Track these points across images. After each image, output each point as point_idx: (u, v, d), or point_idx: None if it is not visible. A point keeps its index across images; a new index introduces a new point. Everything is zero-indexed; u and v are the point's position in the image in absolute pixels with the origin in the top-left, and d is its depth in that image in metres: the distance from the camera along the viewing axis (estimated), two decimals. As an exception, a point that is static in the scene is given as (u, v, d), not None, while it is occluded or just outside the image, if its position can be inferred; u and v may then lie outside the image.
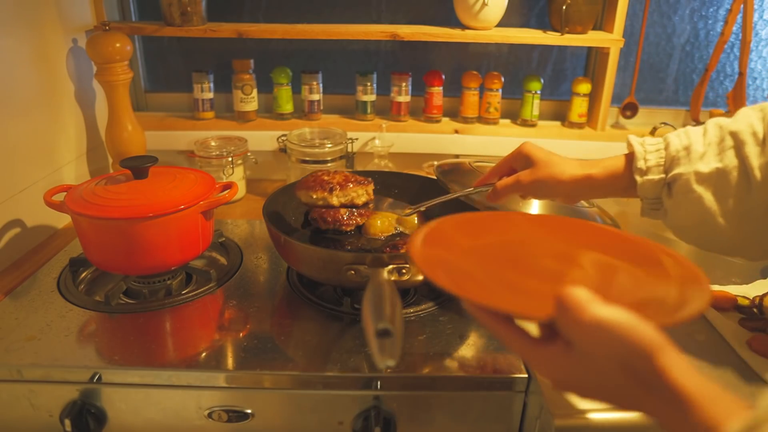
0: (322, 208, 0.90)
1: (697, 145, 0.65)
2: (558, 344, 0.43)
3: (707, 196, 0.63)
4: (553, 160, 0.72)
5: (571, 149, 1.35)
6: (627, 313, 0.40)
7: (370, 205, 0.94)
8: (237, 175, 1.20)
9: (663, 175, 0.67)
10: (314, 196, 0.89)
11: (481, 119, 1.39)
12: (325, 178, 0.90)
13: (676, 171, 0.65)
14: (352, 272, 0.73)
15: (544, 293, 0.45)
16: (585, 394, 0.45)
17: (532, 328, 0.48)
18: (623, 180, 0.69)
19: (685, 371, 0.38)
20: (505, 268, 0.56)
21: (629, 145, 0.70)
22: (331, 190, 0.88)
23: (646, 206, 0.71)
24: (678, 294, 0.49)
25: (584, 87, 1.35)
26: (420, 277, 0.77)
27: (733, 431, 0.34)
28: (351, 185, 0.90)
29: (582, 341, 0.41)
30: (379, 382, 0.70)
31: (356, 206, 0.91)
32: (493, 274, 0.55)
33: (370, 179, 0.93)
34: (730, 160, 0.62)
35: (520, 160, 0.74)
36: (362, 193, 0.91)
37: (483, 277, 0.54)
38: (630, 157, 0.69)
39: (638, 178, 0.68)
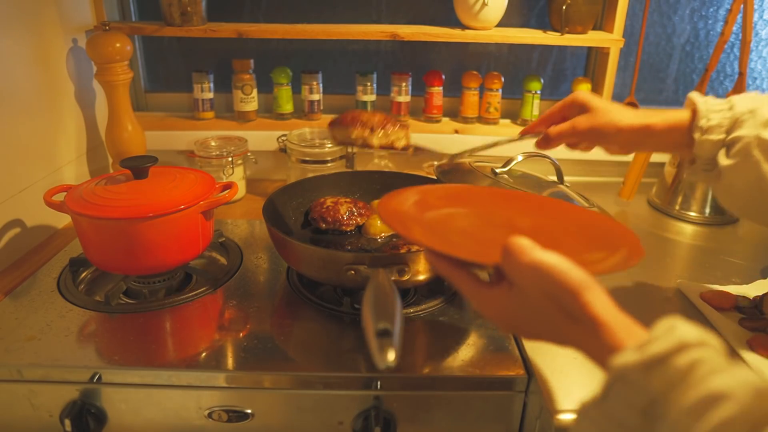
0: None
1: (764, 110, 0.64)
2: (503, 286, 0.49)
3: (765, 163, 0.63)
4: (610, 107, 0.71)
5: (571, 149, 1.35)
6: (560, 257, 0.45)
7: (410, 150, 0.86)
8: (237, 175, 1.20)
9: (723, 136, 0.65)
10: (353, 135, 0.82)
11: (481, 119, 1.39)
12: (365, 117, 0.83)
13: (738, 133, 0.64)
14: (352, 272, 0.73)
15: (495, 243, 0.51)
16: (521, 330, 0.51)
17: (484, 276, 0.55)
18: (681, 136, 0.68)
19: (604, 306, 0.43)
20: (462, 226, 0.65)
21: (690, 102, 0.68)
22: (372, 129, 0.81)
23: (698, 167, 0.70)
24: (610, 252, 0.58)
25: (584, 87, 1.34)
26: (421, 277, 0.77)
27: (630, 346, 0.39)
28: (391, 127, 0.83)
29: (521, 281, 0.47)
30: (379, 382, 0.70)
31: (394, 149, 0.84)
32: (451, 229, 0.64)
33: (408, 123, 0.89)
34: None
35: (574, 108, 0.74)
36: (402, 137, 0.84)
37: (443, 231, 0.63)
38: (690, 114, 0.68)
39: (697, 136, 0.66)
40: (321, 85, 1.35)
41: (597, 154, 1.38)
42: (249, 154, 1.23)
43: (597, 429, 0.40)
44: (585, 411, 0.41)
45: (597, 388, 0.41)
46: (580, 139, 0.74)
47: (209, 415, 0.72)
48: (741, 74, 1.32)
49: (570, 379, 0.68)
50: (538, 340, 0.50)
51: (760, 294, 0.82)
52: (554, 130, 0.74)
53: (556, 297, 0.45)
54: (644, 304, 0.87)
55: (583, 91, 0.74)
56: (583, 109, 0.73)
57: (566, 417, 0.63)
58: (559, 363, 0.71)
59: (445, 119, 1.40)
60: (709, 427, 0.33)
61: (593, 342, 0.43)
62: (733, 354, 0.72)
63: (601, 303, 0.43)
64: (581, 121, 0.72)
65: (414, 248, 0.84)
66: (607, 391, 0.40)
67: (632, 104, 1.39)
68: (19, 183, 0.98)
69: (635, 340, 0.40)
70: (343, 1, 1.37)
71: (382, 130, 0.82)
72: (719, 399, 0.33)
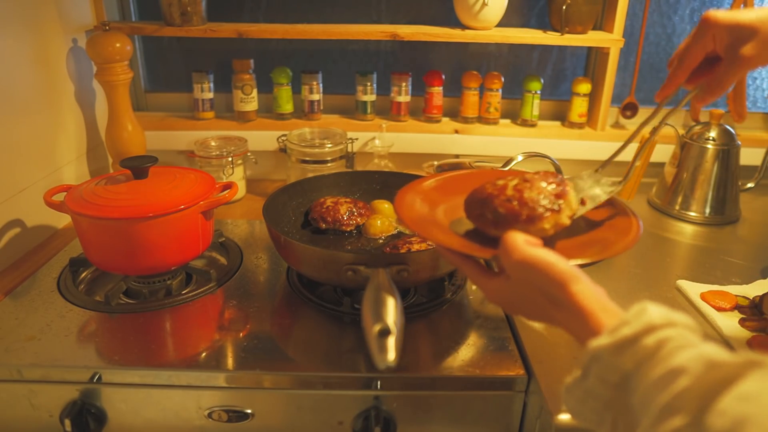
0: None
1: None
2: (501, 277, 0.55)
3: None
4: (762, 17, 0.59)
5: (571, 149, 1.35)
6: (548, 252, 0.50)
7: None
8: (237, 175, 1.21)
9: None
10: (545, 226, 0.57)
11: (481, 119, 1.39)
12: (528, 193, 0.58)
13: None
14: (352, 272, 0.73)
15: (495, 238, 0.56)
16: (521, 313, 0.56)
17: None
18: None
19: (589, 295, 0.47)
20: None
21: None
22: (559, 208, 0.58)
23: None
24: (614, 238, 0.62)
25: (584, 87, 1.34)
26: (421, 277, 0.77)
27: (608, 327, 0.43)
28: (563, 190, 0.59)
29: (515, 274, 0.52)
30: (379, 382, 0.70)
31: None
32: (462, 222, 0.65)
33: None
34: None
35: (719, 37, 0.62)
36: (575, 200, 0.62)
37: (454, 226, 0.65)
38: None
39: None
40: (321, 85, 1.35)
41: (597, 154, 1.38)
42: (249, 154, 1.23)
43: (580, 403, 0.45)
44: (569, 388, 0.46)
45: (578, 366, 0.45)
46: (748, 71, 0.62)
47: (209, 415, 0.72)
48: (741, 74, 1.32)
49: (570, 379, 0.68)
50: (535, 321, 0.59)
51: (760, 294, 0.82)
52: (722, 73, 0.62)
53: (545, 289, 0.49)
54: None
55: (714, 13, 0.60)
56: (731, 36, 0.60)
57: (566, 417, 0.63)
58: (559, 363, 0.71)
59: (445, 119, 1.40)
60: (668, 398, 0.36)
61: (578, 327, 0.47)
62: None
63: (584, 293, 0.47)
64: (752, 52, 0.59)
65: (414, 248, 0.84)
66: (586, 370, 0.44)
67: (632, 104, 1.39)
68: (19, 183, 0.98)
69: (613, 322, 0.44)
70: (343, 1, 1.37)
71: (565, 201, 0.59)
72: (678, 373, 0.37)
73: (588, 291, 0.47)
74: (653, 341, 0.40)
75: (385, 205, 1.00)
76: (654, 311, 0.42)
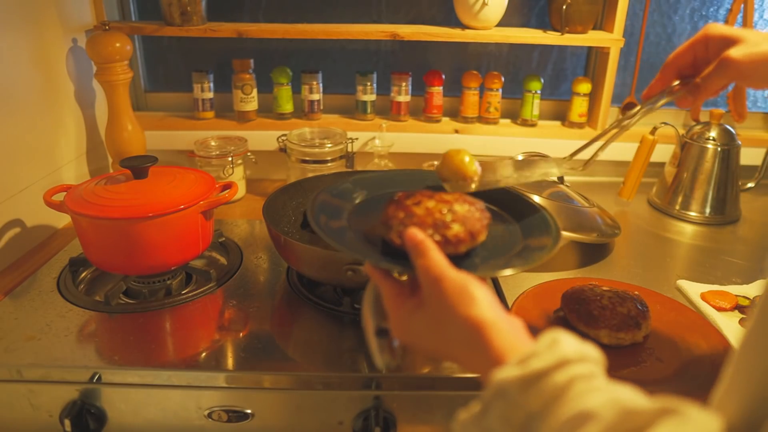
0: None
1: None
2: (416, 299, 0.50)
3: None
4: (756, 35, 0.62)
5: (571, 149, 1.34)
6: (462, 274, 0.47)
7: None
8: (237, 175, 1.20)
9: None
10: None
11: (481, 119, 1.39)
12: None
13: None
14: (352, 272, 0.73)
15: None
16: (421, 341, 0.51)
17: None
18: None
19: (494, 317, 0.44)
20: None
21: None
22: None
23: None
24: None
25: (584, 87, 1.34)
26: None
27: (515, 357, 0.40)
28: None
29: (427, 291, 0.49)
30: (379, 382, 0.70)
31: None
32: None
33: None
34: None
35: (712, 44, 0.64)
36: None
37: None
38: None
39: None
40: (321, 84, 1.35)
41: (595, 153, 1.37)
42: (249, 154, 1.23)
43: None
44: (464, 425, 0.41)
45: (474, 401, 0.40)
46: (736, 77, 0.62)
47: (209, 415, 0.72)
48: (741, 74, 1.32)
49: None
50: (438, 354, 0.51)
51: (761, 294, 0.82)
52: (705, 77, 0.63)
53: (454, 307, 0.46)
54: (644, 304, 0.87)
55: (714, 24, 0.64)
56: (724, 43, 0.62)
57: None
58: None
59: (445, 119, 1.40)
60: None
61: (480, 356, 0.43)
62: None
63: (489, 313, 0.44)
64: (737, 53, 0.60)
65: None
66: (487, 406, 0.39)
67: (632, 104, 1.39)
68: (19, 183, 0.98)
69: (517, 354, 0.40)
70: (343, 1, 1.37)
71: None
72: (587, 418, 0.34)
73: (492, 312, 0.44)
74: (564, 378, 0.37)
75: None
76: (567, 343, 0.39)
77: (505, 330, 0.43)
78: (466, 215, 0.56)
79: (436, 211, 0.55)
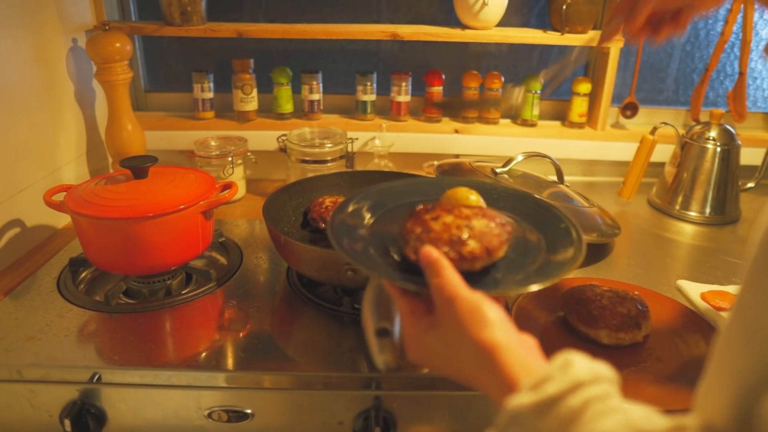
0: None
1: None
2: (432, 317, 0.50)
3: None
4: None
5: (571, 149, 1.35)
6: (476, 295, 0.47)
7: None
8: (237, 175, 1.20)
9: None
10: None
11: (481, 119, 1.39)
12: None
13: None
14: (352, 272, 0.73)
15: None
16: (434, 360, 0.51)
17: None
18: None
19: (508, 340, 0.44)
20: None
21: None
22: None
23: None
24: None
25: (584, 87, 1.34)
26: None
27: (529, 382, 0.39)
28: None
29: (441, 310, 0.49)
30: (379, 382, 0.70)
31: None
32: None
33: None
34: None
35: None
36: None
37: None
38: None
39: None
40: (321, 84, 1.35)
41: (597, 154, 1.38)
42: (249, 154, 1.23)
43: None
44: None
45: (489, 429, 0.41)
46: (672, 5, 0.63)
47: (209, 415, 0.72)
48: (741, 74, 1.32)
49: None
50: (451, 374, 0.50)
51: (761, 294, 0.82)
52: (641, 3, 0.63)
53: (467, 330, 0.46)
54: (644, 304, 0.87)
55: None
56: None
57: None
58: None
59: (445, 119, 1.40)
60: None
61: (493, 380, 0.43)
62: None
63: (502, 337, 0.44)
64: None
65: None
66: None
67: (632, 104, 1.39)
68: (19, 183, 0.98)
69: (530, 378, 0.40)
70: (342, 1, 1.37)
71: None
72: None
73: (504, 333, 0.44)
74: (579, 402, 0.37)
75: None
76: (580, 365, 0.39)
77: (518, 352, 0.43)
78: (484, 231, 0.55)
79: (453, 227, 0.55)
